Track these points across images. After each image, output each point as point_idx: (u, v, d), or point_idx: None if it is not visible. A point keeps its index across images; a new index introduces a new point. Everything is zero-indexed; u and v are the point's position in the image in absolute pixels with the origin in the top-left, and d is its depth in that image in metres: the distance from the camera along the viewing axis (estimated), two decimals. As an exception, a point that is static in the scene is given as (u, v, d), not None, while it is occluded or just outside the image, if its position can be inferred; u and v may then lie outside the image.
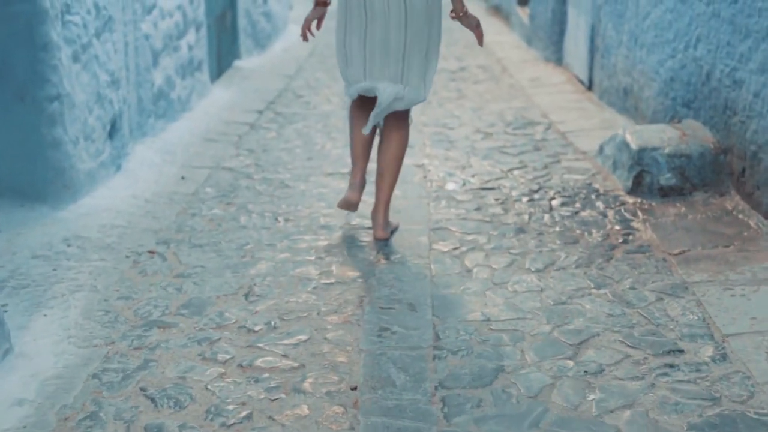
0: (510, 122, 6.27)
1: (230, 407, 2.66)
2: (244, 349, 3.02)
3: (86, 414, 2.62)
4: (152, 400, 2.70)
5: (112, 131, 4.87)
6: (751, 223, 3.96)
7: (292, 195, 4.72)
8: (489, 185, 4.83)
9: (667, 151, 4.50)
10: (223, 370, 2.88)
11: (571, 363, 2.88)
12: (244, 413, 2.63)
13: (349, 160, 5.37)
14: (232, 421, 2.59)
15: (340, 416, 2.62)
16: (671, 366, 2.83)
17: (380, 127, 4.06)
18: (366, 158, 4.18)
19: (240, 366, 2.90)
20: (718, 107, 4.51)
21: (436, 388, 2.77)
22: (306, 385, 2.79)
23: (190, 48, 6.46)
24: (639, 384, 2.74)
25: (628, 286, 3.45)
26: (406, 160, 5.18)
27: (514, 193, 4.67)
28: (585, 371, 2.82)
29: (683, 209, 4.23)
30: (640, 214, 4.25)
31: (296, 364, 2.91)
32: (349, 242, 4.03)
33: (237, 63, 8.28)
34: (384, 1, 3.77)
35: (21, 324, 3.15)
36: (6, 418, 2.58)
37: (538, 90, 7.36)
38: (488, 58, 9.09)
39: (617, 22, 6.25)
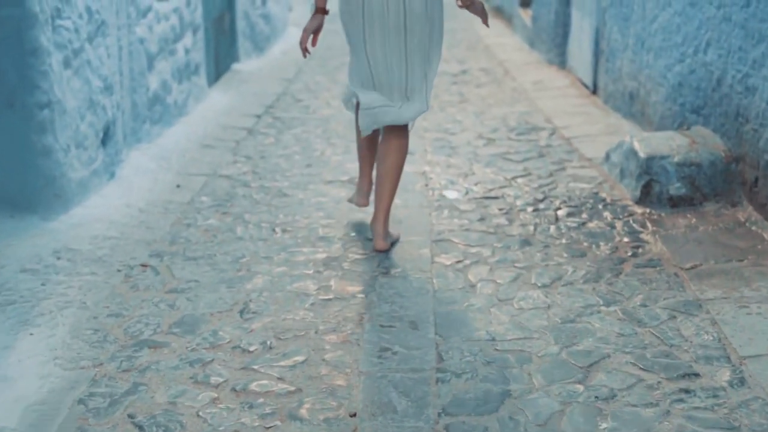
0: (513, 127, 6.13)
1: (223, 435, 2.53)
2: (238, 371, 2.89)
3: (71, 443, 2.49)
4: (140, 428, 2.56)
5: (106, 138, 4.74)
6: (765, 236, 3.83)
7: (290, 204, 4.58)
8: (492, 194, 4.70)
9: (676, 159, 4.36)
10: (216, 395, 2.74)
11: (581, 387, 2.74)
12: (237, 442, 2.50)
13: (349, 167, 5.26)
14: (224, 451, 2.46)
15: (338, 445, 2.49)
16: (687, 391, 2.69)
17: (382, 133, 3.94)
18: (371, 161, 4.15)
19: (234, 390, 2.77)
20: (730, 114, 4.37)
21: (439, 414, 2.63)
22: (303, 412, 2.65)
23: (187, 51, 6.32)
24: (653, 411, 2.60)
25: (638, 303, 3.32)
26: (407, 168, 5.05)
27: (519, 203, 4.53)
28: (596, 397, 2.69)
29: (694, 220, 4.10)
30: (649, 225, 4.11)
31: (292, 388, 2.78)
32: (349, 255, 3.89)
33: (235, 66, 8.14)
34: (383, 5, 3.66)
35: (6, 343, 3.02)
36: (-14, 447, 2.46)
37: (541, 94, 7.22)
38: (490, 60, 8.96)
39: (623, 25, 6.11)
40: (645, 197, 4.37)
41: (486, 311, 3.32)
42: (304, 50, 3.79)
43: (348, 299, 3.44)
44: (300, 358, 2.96)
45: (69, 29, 4.24)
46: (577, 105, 6.71)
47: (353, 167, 5.23)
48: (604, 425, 2.54)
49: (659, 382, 2.76)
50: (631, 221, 4.18)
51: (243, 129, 6.17)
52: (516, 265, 3.74)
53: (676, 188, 4.29)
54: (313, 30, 3.80)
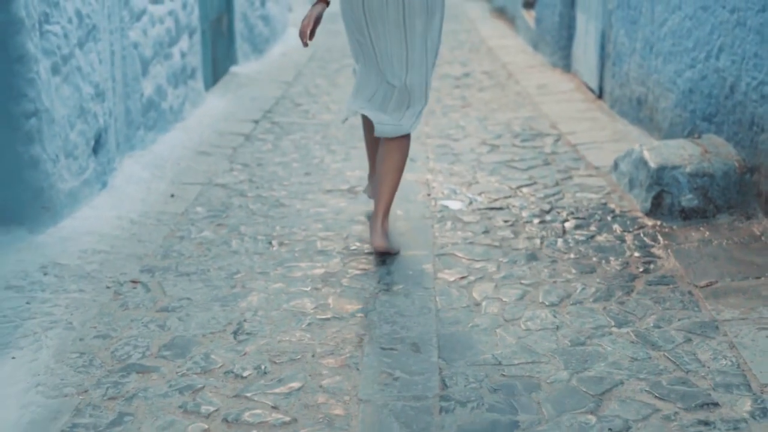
0: (518, 133, 5.98)
1: (213, 471, 2.38)
2: (231, 399, 2.73)
3: (51, 480, 2.34)
4: (125, 463, 2.41)
5: (97, 146, 4.58)
6: (782, 251, 3.67)
7: (287, 215, 4.43)
8: (497, 204, 4.54)
9: (688, 169, 4.20)
10: (207, 426, 2.58)
11: (593, 419, 2.59)
12: (228, 479, 2.35)
13: (348, 175, 5.11)
14: (214, 489, 2.31)
15: (335, 483, 2.34)
16: (706, 423, 2.54)
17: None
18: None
19: (225, 421, 2.61)
20: (744, 123, 4.22)
21: (443, 448, 2.48)
22: (298, 445, 2.50)
23: (183, 55, 6.17)
24: (671, 445, 2.45)
25: (652, 324, 3.16)
26: (409, 176, 4.91)
27: (524, 214, 4.38)
28: (609, 429, 2.53)
29: (707, 234, 3.94)
30: (660, 239, 3.95)
31: (287, 419, 2.62)
32: (348, 270, 3.74)
33: (233, 69, 7.99)
34: (382, 1, 3.67)
35: (-14, 368, 2.86)
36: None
37: (546, 98, 7.07)
38: (493, 63, 8.81)
39: (630, 29, 5.95)
40: (656, 209, 4.21)
41: (491, 332, 3.16)
42: (305, 33, 3.69)
43: (347, 319, 3.29)
44: (296, 385, 2.81)
45: (58, 35, 4.08)
46: (583, 110, 6.55)
47: (353, 175, 5.08)
48: (619, 462, 2.39)
49: (676, 413, 2.60)
50: (641, 234, 4.02)
51: (240, 135, 6.01)
52: (522, 281, 3.58)
53: (688, 200, 4.13)
54: (314, 19, 3.71)
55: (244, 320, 3.26)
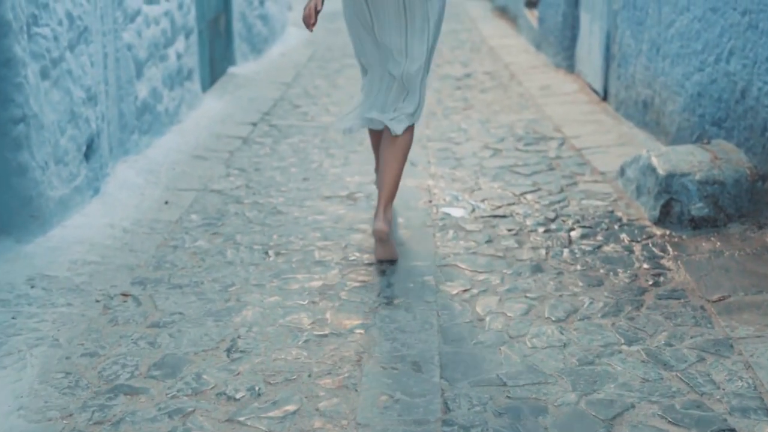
0: (521, 137, 5.84)
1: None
2: (223, 423, 2.60)
3: None
4: (110, 495, 2.28)
5: (89, 152, 4.45)
6: (797, 263, 3.54)
7: (284, 223, 4.30)
8: (500, 212, 4.41)
9: (698, 177, 4.07)
10: (197, 454, 2.46)
11: (604, 446, 2.46)
12: None
13: (348, 180, 4.97)
14: None
15: None
16: (723, 452, 2.41)
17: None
18: None
19: (216, 448, 2.49)
20: (756, 128, 4.08)
21: (446, 478, 2.35)
22: (293, 474, 2.37)
23: (179, 56, 6.03)
24: (686, 476, 2.32)
25: (663, 342, 3.03)
26: (410, 181, 4.79)
27: (529, 222, 4.25)
28: (621, 457, 2.40)
29: (718, 244, 3.81)
30: (670, 249, 3.82)
31: (282, 445, 2.49)
32: (347, 282, 3.61)
33: (231, 69, 7.85)
34: None
35: (-32, 389, 2.73)
36: None
37: (549, 100, 6.93)
38: (495, 63, 8.67)
39: (636, 30, 5.82)
40: (664, 218, 4.08)
41: (496, 350, 3.03)
42: (311, 15, 3.66)
43: (345, 335, 3.16)
44: (291, 408, 2.68)
45: (47, 37, 3.95)
46: (587, 112, 6.42)
47: (352, 181, 4.96)
48: (632, 494, 2.26)
49: (691, 440, 2.47)
50: (650, 245, 3.89)
51: (237, 138, 5.88)
52: (527, 295, 3.45)
53: (698, 208, 4.00)
54: (316, 5, 3.68)
55: (238, 337, 3.13)
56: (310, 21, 3.66)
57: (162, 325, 3.22)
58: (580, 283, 3.53)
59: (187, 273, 3.69)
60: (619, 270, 3.64)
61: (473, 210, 4.45)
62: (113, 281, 3.59)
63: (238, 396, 2.74)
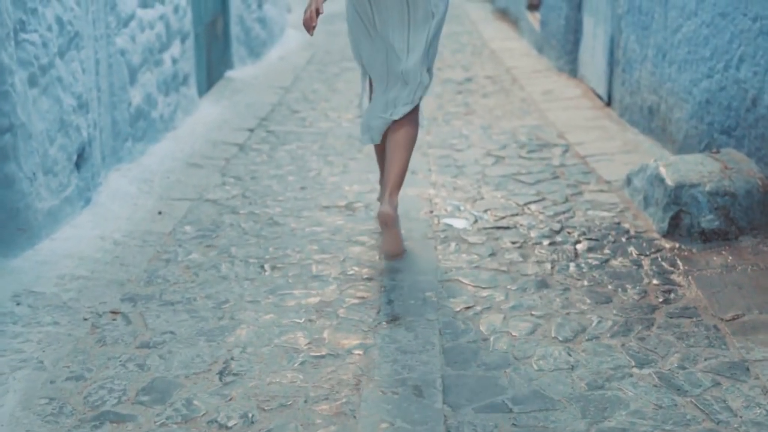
0: (524, 143, 5.71)
1: None
2: (214, 454, 2.47)
3: None
4: None
5: (80, 161, 4.32)
6: (812, 279, 3.41)
7: (281, 235, 4.16)
8: (504, 223, 4.28)
9: (708, 188, 3.93)
10: (185, 488, 2.33)
11: (616, 480, 2.33)
12: None
13: (346, 190, 4.84)
14: None
15: None
16: (743, 487, 2.28)
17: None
18: None
19: (206, 481, 2.35)
20: (767, 138, 3.95)
21: None
22: None
23: (175, 61, 5.90)
24: None
25: (676, 365, 2.89)
26: (410, 190, 4.66)
27: (533, 234, 4.11)
28: (635, 493, 2.27)
29: (730, 258, 3.67)
30: (680, 263, 3.69)
31: (276, 479, 2.36)
32: (345, 299, 3.47)
33: (229, 74, 7.72)
34: None
35: (-54, 416, 2.60)
36: None
37: (552, 105, 6.80)
38: (497, 67, 8.54)
39: (641, 35, 5.69)
40: (673, 230, 3.95)
41: (501, 373, 2.90)
42: (312, 17, 3.60)
43: (343, 356, 3.02)
44: (286, 437, 2.55)
45: (35, 44, 3.82)
46: (591, 118, 6.29)
47: (351, 190, 4.83)
48: None
49: (708, 473, 2.34)
50: (659, 258, 3.76)
51: (234, 145, 5.75)
52: (533, 312, 3.32)
53: (708, 221, 3.87)
54: (317, 8, 3.63)
55: (232, 358, 3.00)
56: (311, 24, 3.60)
57: (152, 346, 3.08)
58: (588, 300, 3.40)
59: (179, 289, 3.56)
60: (628, 286, 3.51)
61: (476, 221, 4.32)
62: (102, 298, 3.45)
63: (230, 424, 2.61)
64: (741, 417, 2.59)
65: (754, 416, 2.59)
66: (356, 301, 3.46)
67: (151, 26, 5.47)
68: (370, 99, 4.04)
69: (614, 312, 3.29)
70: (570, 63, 7.72)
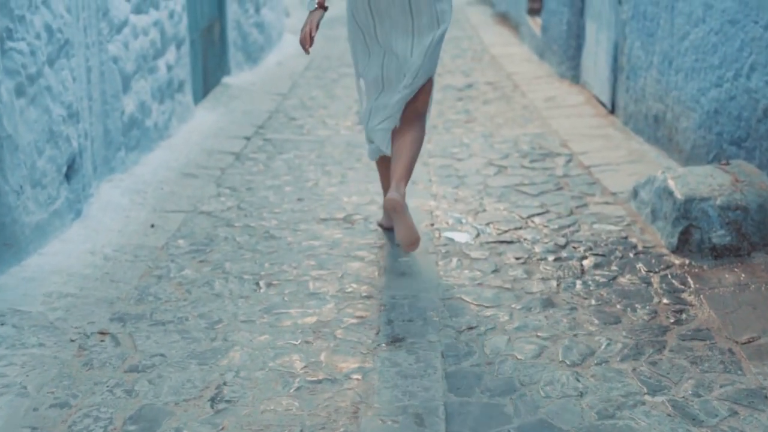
0: (526, 153, 5.58)
1: None
2: (204, 490, 2.34)
3: None
4: None
5: (70, 172, 4.19)
6: (829, 298, 3.28)
7: (277, 249, 4.03)
8: (507, 237, 4.15)
9: (719, 202, 3.80)
10: None
11: None
12: None
13: (345, 201, 4.71)
14: None
15: None
16: None
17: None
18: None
19: None
20: (780, 151, 3.83)
21: None
22: None
23: (170, 68, 5.77)
24: None
25: (690, 392, 2.76)
26: (410, 202, 4.51)
27: (538, 249, 3.98)
28: None
29: (743, 276, 3.54)
30: (690, 281, 3.55)
31: None
32: (344, 318, 3.34)
33: (226, 80, 7.59)
34: None
35: (-77, 447, 2.47)
36: None
37: (554, 112, 6.67)
38: (497, 73, 8.41)
39: (647, 41, 5.56)
40: (683, 245, 3.82)
41: (506, 400, 2.76)
42: (307, 39, 3.63)
43: (341, 381, 2.89)
44: (280, 470, 2.41)
45: (23, 52, 3.69)
46: (595, 126, 6.16)
47: (349, 201, 4.70)
48: None
49: None
50: (669, 276, 3.62)
51: (230, 154, 5.62)
52: (539, 334, 3.18)
53: (719, 236, 3.74)
54: (314, 26, 3.63)
55: (224, 383, 2.86)
56: (306, 44, 3.60)
57: (141, 369, 2.95)
58: (596, 321, 3.27)
59: (171, 307, 3.43)
60: (637, 305, 3.38)
61: (478, 234, 4.19)
62: (91, 317, 3.32)
63: (221, 456, 2.48)
64: (760, 450, 2.46)
65: (774, 449, 2.46)
66: (355, 320, 3.32)
67: (145, 32, 5.33)
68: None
69: (623, 334, 3.16)
70: (572, 69, 7.59)
